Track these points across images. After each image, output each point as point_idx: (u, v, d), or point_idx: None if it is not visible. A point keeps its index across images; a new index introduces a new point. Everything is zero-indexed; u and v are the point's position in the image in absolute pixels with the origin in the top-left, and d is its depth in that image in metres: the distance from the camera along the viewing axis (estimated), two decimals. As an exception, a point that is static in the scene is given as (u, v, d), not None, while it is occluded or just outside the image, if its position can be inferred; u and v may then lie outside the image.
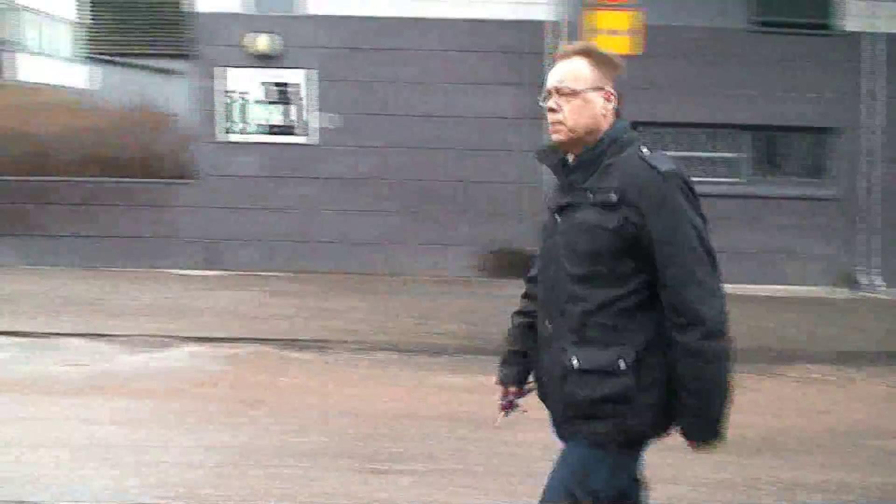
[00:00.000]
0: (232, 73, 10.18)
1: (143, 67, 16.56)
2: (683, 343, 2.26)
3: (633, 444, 2.36)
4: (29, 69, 36.27)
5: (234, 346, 6.95)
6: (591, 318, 2.32)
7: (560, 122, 2.40)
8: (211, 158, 10.19)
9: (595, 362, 2.31)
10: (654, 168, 2.29)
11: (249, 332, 7.33)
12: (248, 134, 10.25)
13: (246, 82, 10.22)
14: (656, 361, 2.29)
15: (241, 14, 10.18)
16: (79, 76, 22.05)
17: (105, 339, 7.05)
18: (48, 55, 43.48)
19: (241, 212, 10.12)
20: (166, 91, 13.52)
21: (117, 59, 17.09)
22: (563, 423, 2.40)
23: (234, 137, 10.25)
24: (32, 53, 41.87)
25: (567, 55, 2.45)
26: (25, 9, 42.21)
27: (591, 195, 2.33)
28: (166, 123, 11.44)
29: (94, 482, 4.15)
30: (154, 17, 15.83)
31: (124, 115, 11.57)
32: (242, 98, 10.23)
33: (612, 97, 2.42)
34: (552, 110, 2.41)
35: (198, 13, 10.24)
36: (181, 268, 9.95)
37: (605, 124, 2.41)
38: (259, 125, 10.25)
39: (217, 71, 10.15)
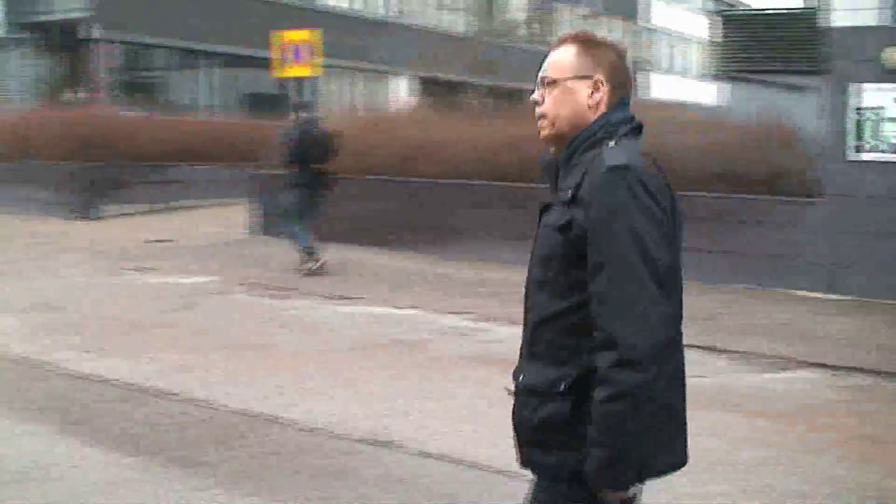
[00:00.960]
0: (865, 88, 9.74)
1: (771, 84, 16.60)
2: (598, 367, 1.92)
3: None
4: (660, 87, 38.72)
5: (852, 376, 6.68)
6: (539, 331, 2.09)
7: (542, 116, 2.16)
8: (838, 177, 9.85)
9: (537, 381, 2.06)
10: (603, 161, 1.98)
11: (868, 362, 6.98)
12: (879, 153, 9.71)
13: (880, 98, 9.69)
14: None
15: (879, 27, 9.69)
16: (708, 93, 22.88)
17: (721, 354, 7.27)
18: (678, 73, 45.73)
19: (868, 235, 9.62)
20: (793, 108, 13.39)
21: (746, 76, 17.38)
22: (519, 449, 2.14)
23: (864, 156, 9.78)
24: (664, 72, 44.39)
25: (559, 42, 2.19)
26: (660, 30, 45.00)
27: (560, 194, 2.07)
28: (793, 141, 11.33)
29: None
30: (787, 33, 15.78)
31: (751, 132, 11.74)
32: (875, 115, 9.72)
33: (602, 86, 2.11)
34: (536, 103, 2.17)
35: (833, 28, 10.00)
36: (801, 289, 9.78)
37: (594, 117, 2.11)
38: (892, 143, 9.65)
39: (850, 87, 9.79)
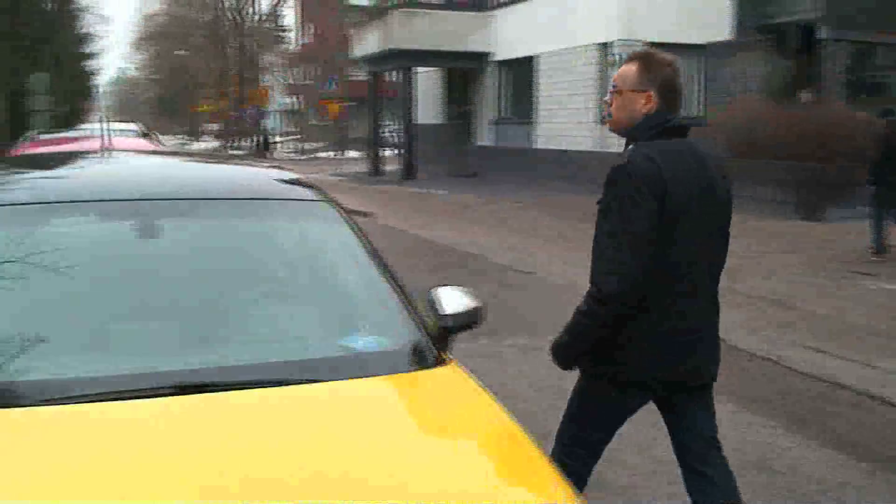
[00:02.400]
0: None
1: None
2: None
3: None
4: None
5: None
6: None
7: (611, 115, 3.04)
8: None
9: None
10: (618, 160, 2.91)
11: None
12: None
13: None
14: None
15: None
16: None
17: None
18: None
19: None
20: None
21: None
22: None
23: None
24: None
25: (629, 58, 3.06)
26: None
27: None
28: None
29: None
30: None
31: None
32: None
33: (652, 99, 2.94)
34: (608, 104, 3.06)
35: None
36: None
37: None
38: None
39: None
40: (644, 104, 2.94)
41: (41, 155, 5.30)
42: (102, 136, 3.56)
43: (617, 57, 20.83)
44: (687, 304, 2.93)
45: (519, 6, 25.55)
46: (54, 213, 2.89)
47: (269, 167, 3.78)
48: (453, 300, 2.88)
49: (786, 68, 19.69)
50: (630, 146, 2.95)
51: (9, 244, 2.68)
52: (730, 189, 3.06)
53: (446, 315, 2.80)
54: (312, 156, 45.78)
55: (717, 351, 3.11)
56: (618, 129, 3.04)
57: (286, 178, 3.39)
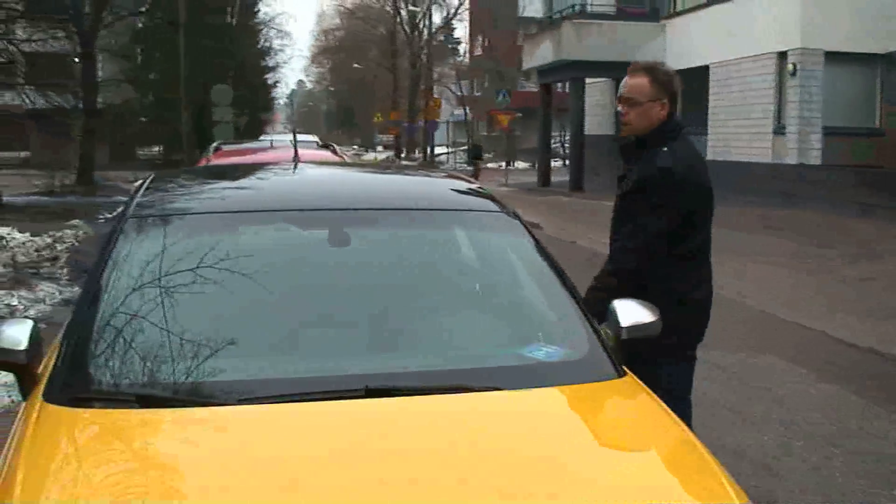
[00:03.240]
0: None
1: None
2: None
3: None
4: None
5: None
6: None
7: (628, 123, 3.58)
8: None
9: None
10: (655, 161, 3.48)
11: None
12: None
13: None
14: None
15: None
16: None
17: None
18: None
19: None
20: None
21: None
22: None
23: None
24: None
25: (635, 71, 3.57)
26: None
27: (632, 171, 3.63)
28: None
29: None
30: None
31: None
32: None
33: (665, 106, 3.51)
34: (621, 114, 3.58)
35: None
36: None
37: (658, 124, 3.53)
38: None
39: None
40: (660, 111, 3.49)
41: (236, 166, 5.58)
42: (295, 147, 3.73)
43: (793, 66, 20.04)
44: (707, 276, 3.64)
45: (694, 15, 25.00)
46: (251, 220, 3.06)
47: (454, 178, 3.85)
48: (632, 313, 2.84)
49: None
50: (664, 148, 3.47)
51: (209, 249, 2.82)
52: None
53: (624, 328, 2.78)
54: (481, 167, 46.23)
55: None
56: (632, 134, 3.56)
57: (470, 189, 3.48)
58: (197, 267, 2.74)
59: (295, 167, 3.59)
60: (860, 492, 4.52)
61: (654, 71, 3.55)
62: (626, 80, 3.58)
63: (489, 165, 46.11)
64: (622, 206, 3.58)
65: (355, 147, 69.19)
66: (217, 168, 6.28)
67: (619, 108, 3.59)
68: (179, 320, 2.56)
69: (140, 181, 3.48)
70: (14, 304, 8.78)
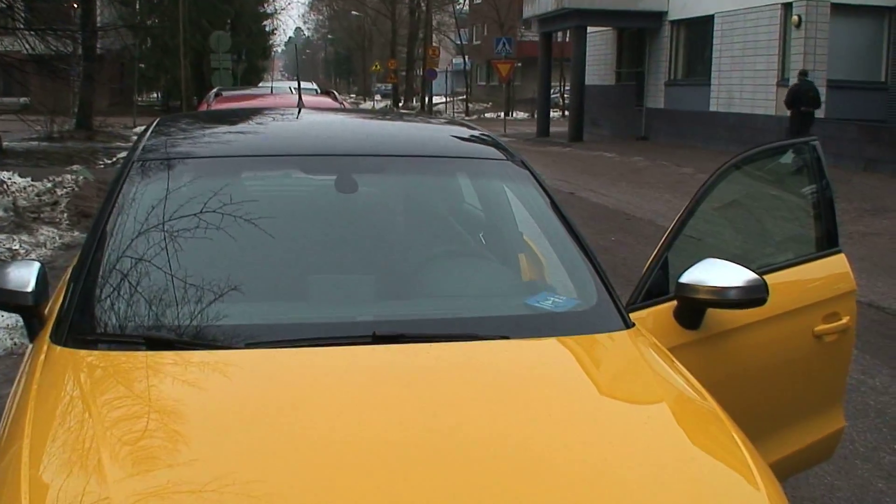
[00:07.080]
0: None
1: None
2: None
3: None
4: None
5: None
6: None
7: None
8: None
9: None
10: None
11: None
12: None
13: None
14: None
15: None
16: None
17: None
18: None
19: None
20: None
21: None
22: None
23: None
24: None
25: None
26: None
27: None
28: None
29: None
30: None
31: None
32: None
33: None
34: None
35: None
36: None
37: None
38: None
39: None
40: None
41: (240, 110, 5.52)
42: (300, 92, 3.68)
43: (798, 17, 19.81)
44: None
45: (698, -37, 24.66)
46: (258, 165, 3.02)
47: (459, 125, 3.81)
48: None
49: None
50: None
51: (216, 193, 2.77)
52: None
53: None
54: (479, 116, 45.96)
55: None
56: None
57: (478, 136, 3.42)
58: (204, 211, 2.71)
59: (299, 112, 3.55)
60: (863, 446, 4.56)
61: None
62: None
63: (487, 115, 45.83)
64: None
65: (353, 96, 68.65)
66: (222, 113, 6.20)
67: None
68: (186, 264, 2.54)
69: (146, 126, 3.43)
70: (15, 248, 8.78)
